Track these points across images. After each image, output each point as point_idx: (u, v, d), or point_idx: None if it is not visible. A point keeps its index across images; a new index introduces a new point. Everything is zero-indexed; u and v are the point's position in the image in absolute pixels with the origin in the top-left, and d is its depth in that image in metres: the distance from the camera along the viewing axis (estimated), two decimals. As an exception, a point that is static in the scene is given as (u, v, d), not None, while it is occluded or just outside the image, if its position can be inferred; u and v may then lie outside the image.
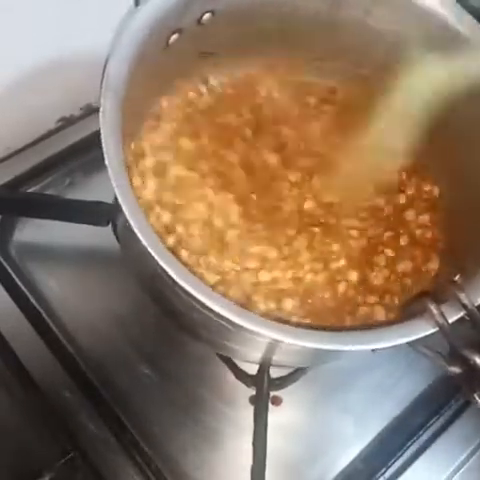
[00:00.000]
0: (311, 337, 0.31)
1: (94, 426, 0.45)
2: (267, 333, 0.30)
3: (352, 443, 0.47)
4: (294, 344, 0.30)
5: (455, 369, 0.30)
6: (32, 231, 0.55)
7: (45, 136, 0.59)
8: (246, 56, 0.49)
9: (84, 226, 0.50)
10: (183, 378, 0.49)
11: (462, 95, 0.39)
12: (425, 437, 0.47)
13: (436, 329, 0.30)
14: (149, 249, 0.30)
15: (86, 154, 0.57)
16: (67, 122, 0.59)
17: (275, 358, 0.42)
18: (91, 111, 0.60)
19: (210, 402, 0.48)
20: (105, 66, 0.36)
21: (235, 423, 0.47)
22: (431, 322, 0.30)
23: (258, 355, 0.42)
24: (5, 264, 0.53)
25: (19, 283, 0.52)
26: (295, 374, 0.48)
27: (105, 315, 0.51)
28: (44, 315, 0.51)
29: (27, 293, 0.52)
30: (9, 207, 0.54)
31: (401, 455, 0.46)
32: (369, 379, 0.49)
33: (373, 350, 0.32)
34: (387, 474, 0.45)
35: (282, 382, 0.48)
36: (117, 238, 0.51)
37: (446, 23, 0.41)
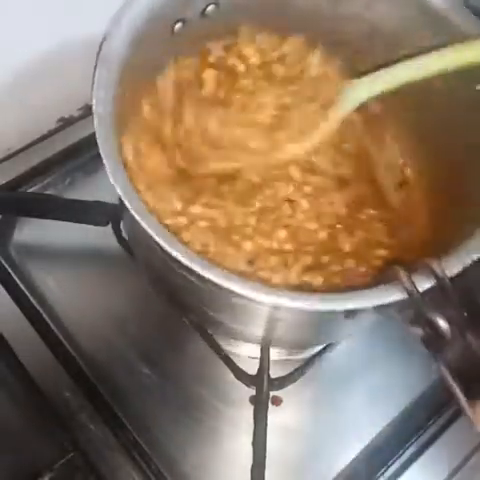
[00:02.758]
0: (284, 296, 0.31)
1: (94, 426, 0.45)
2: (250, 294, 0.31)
3: (352, 443, 0.47)
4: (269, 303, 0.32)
5: (417, 330, 0.30)
6: (32, 231, 0.55)
7: (45, 136, 0.59)
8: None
9: (84, 226, 0.50)
10: (183, 378, 0.49)
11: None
12: (425, 438, 0.47)
13: (404, 296, 0.31)
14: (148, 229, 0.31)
15: (86, 154, 0.57)
16: (67, 122, 0.59)
17: (275, 333, 0.42)
18: (90, 111, 0.59)
19: (210, 402, 0.48)
20: (100, 45, 0.37)
21: (235, 423, 0.47)
22: (400, 289, 0.31)
23: (257, 332, 0.42)
24: (5, 264, 0.53)
25: (19, 283, 0.52)
26: (295, 374, 0.48)
27: (105, 315, 0.51)
28: (44, 315, 0.51)
29: (27, 293, 0.52)
30: (9, 207, 0.54)
31: (401, 455, 0.46)
32: (369, 379, 0.49)
33: (346, 316, 0.33)
34: (387, 474, 0.45)
35: (282, 382, 0.48)
36: (117, 238, 0.52)
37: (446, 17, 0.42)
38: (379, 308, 0.32)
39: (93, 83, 0.36)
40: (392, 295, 0.31)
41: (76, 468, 0.44)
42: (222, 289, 0.31)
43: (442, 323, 0.29)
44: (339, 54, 0.48)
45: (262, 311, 0.37)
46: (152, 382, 0.49)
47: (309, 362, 0.49)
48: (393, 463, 0.46)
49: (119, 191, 0.32)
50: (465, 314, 0.30)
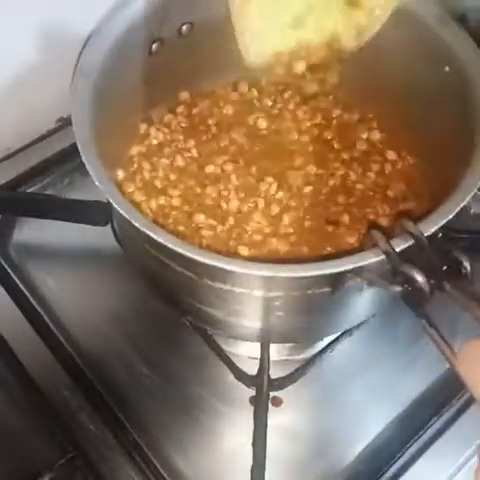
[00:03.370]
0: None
1: (94, 426, 0.45)
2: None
3: (352, 444, 0.47)
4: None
5: (396, 287, 0.32)
6: (31, 231, 0.55)
7: (44, 136, 0.59)
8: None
9: (83, 226, 0.50)
10: (183, 378, 0.49)
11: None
12: (426, 437, 0.47)
13: (381, 256, 0.33)
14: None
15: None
16: (66, 122, 0.59)
17: (272, 323, 0.43)
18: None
19: (210, 402, 0.48)
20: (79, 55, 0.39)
21: (235, 424, 0.47)
22: (377, 250, 0.33)
23: (254, 324, 0.43)
24: (4, 264, 0.53)
25: (18, 283, 0.52)
26: (295, 374, 0.48)
27: (104, 314, 0.51)
28: (43, 315, 0.51)
29: (26, 293, 0.52)
30: (8, 207, 0.54)
31: (401, 456, 0.46)
32: (369, 379, 0.49)
33: (332, 291, 0.36)
34: (387, 475, 0.45)
35: (282, 382, 0.48)
36: (116, 237, 0.52)
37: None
38: (360, 273, 0.34)
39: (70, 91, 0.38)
40: (369, 257, 0.33)
41: (76, 468, 0.44)
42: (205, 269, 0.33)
43: (419, 277, 0.31)
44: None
45: (254, 296, 0.37)
46: (152, 382, 0.49)
47: (309, 362, 0.49)
48: (394, 463, 0.46)
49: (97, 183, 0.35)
50: (444, 268, 0.32)
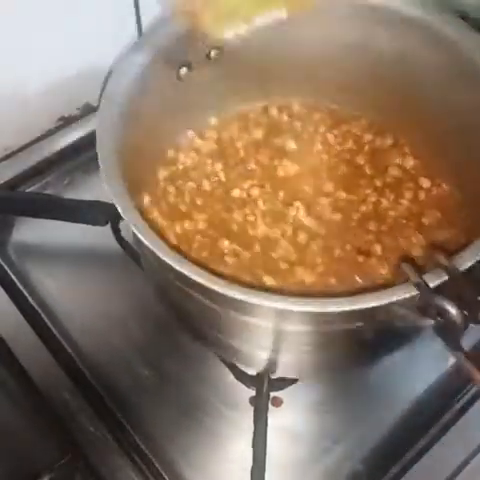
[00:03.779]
0: (301, 303, 0.32)
1: (93, 427, 0.45)
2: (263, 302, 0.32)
3: (352, 444, 0.47)
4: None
5: (428, 321, 0.31)
6: (31, 231, 0.55)
7: (44, 136, 0.59)
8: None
9: (83, 226, 0.50)
10: (183, 379, 0.48)
11: None
12: (427, 438, 0.47)
13: (413, 291, 0.32)
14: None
15: (85, 154, 0.57)
16: (66, 122, 0.59)
17: (281, 360, 0.42)
18: (90, 110, 0.60)
19: (210, 403, 0.48)
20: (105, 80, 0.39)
21: (235, 424, 0.47)
22: (409, 285, 0.32)
23: (263, 354, 0.42)
24: (4, 264, 0.53)
25: (18, 283, 0.52)
26: (295, 375, 0.48)
27: (104, 315, 0.51)
28: (42, 315, 0.51)
29: (25, 293, 0.52)
30: (8, 207, 0.54)
31: (402, 456, 0.46)
32: (369, 380, 0.49)
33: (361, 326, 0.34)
34: (388, 476, 0.45)
35: (282, 383, 0.47)
36: (116, 237, 0.52)
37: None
38: (391, 307, 0.32)
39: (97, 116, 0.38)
40: (401, 292, 0.32)
41: (75, 469, 0.44)
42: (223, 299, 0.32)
43: (452, 309, 0.30)
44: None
45: (280, 330, 0.37)
46: (152, 383, 0.48)
47: (309, 362, 0.49)
48: (394, 465, 0.46)
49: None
50: (478, 298, 0.31)
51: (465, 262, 0.33)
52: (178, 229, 0.45)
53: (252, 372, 0.47)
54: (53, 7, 0.49)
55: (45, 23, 0.50)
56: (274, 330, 0.37)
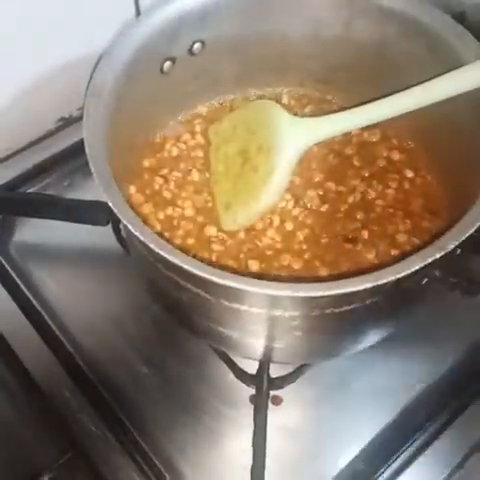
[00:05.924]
0: (302, 287, 0.32)
1: (94, 426, 0.45)
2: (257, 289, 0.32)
3: (352, 443, 0.47)
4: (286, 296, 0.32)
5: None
6: (32, 231, 0.55)
7: (44, 136, 0.59)
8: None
9: (84, 226, 0.50)
10: (183, 378, 0.49)
11: None
12: (425, 437, 0.47)
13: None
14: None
15: (85, 154, 0.57)
16: (66, 122, 0.59)
17: (276, 346, 0.42)
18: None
19: (210, 402, 0.48)
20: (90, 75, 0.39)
21: (235, 423, 0.47)
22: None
23: (258, 343, 0.42)
24: (5, 264, 0.53)
25: (19, 283, 0.52)
26: (295, 373, 0.48)
27: (105, 314, 0.51)
28: (44, 315, 0.51)
29: (27, 293, 0.52)
30: (9, 207, 0.54)
31: (401, 455, 0.46)
32: (369, 379, 0.49)
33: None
34: (387, 474, 0.45)
35: (282, 381, 0.48)
36: (117, 237, 0.52)
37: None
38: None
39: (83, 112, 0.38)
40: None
41: (75, 468, 0.44)
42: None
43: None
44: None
45: (269, 315, 0.37)
46: (152, 381, 0.49)
47: (309, 361, 0.49)
48: (393, 462, 0.46)
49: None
50: None
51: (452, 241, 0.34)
52: (162, 216, 0.45)
53: (251, 370, 0.48)
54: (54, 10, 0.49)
55: (45, 25, 0.50)
56: (266, 316, 0.37)
